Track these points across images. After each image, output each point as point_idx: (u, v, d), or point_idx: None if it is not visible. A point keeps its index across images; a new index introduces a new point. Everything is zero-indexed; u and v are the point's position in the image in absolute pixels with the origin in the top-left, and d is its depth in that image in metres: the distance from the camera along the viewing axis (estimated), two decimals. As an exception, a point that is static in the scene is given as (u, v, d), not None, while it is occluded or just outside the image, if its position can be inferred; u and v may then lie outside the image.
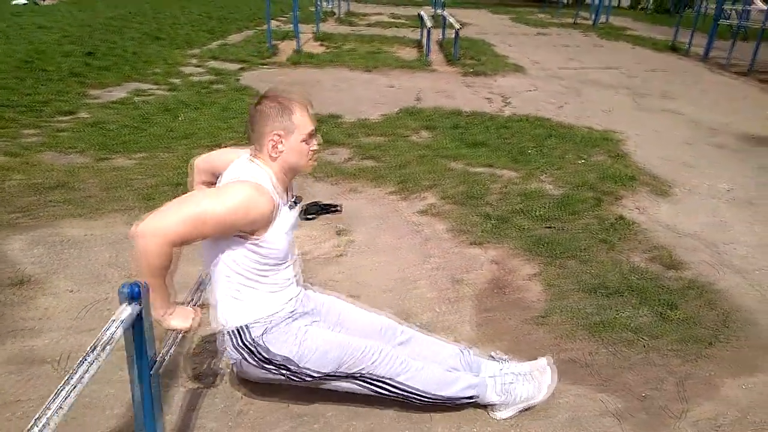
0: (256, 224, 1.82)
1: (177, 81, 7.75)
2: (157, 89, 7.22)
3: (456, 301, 3.01)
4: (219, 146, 5.07)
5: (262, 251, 1.88)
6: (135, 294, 1.44)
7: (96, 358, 1.26)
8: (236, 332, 1.97)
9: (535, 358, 2.37)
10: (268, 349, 1.97)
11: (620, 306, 3.00)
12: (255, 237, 1.85)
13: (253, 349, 1.97)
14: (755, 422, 2.30)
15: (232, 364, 2.09)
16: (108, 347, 1.33)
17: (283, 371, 2.01)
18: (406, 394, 2.10)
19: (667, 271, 3.39)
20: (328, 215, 3.87)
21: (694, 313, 2.96)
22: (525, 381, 2.23)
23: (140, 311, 1.47)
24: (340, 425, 2.16)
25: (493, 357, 2.39)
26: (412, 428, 2.16)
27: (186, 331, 1.86)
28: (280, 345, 1.98)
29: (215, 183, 2.06)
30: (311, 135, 1.93)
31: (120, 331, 1.37)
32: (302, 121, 1.89)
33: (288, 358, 1.99)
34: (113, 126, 5.49)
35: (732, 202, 4.55)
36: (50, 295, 2.85)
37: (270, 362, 1.99)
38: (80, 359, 1.25)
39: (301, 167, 1.97)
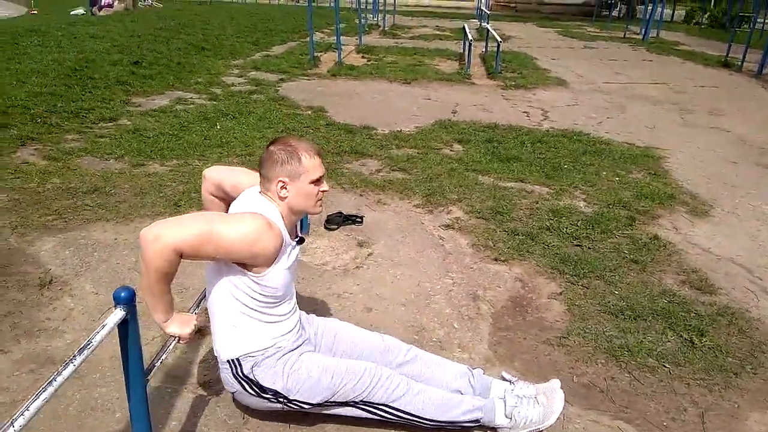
0: (257, 259, 1.83)
1: (218, 90, 7.92)
2: (198, 98, 7.39)
3: (473, 318, 2.94)
4: (251, 156, 5.17)
5: (261, 287, 1.89)
6: (129, 298, 1.45)
7: (82, 360, 1.27)
8: (233, 363, 1.99)
9: (547, 380, 2.29)
10: (258, 383, 1.99)
11: (645, 330, 2.88)
12: (255, 272, 1.86)
13: (248, 381, 2.00)
14: (784, 461, 2.16)
15: (232, 393, 2.11)
16: (86, 351, 1.33)
17: (280, 400, 2.02)
18: (406, 417, 2.07)
19: (699, 296, 3.24)
20: (350, 226, 3.86)
21: (723, 342, 2.81)
22: (534, 405, 2.16)
23: (130, 315, 1.47)
24: (342, 440, 2.13)
25: (504, 377, 2.32)
26: (414, 448, 2.12)
27: (185, 338, 1.87)
28: (270, 378, 1.99)
29: (219, 196, 2.12)
30: (319, 179, 1.94)
31: (104, 335, 1.37)
32: (309, 166, 1.90)
33: (277, 392, 2.00)
34: (151, 133, 5.63)
35: (776, 225, 4.34)
36: (74, 296, 2.93)
37: (265, 392, 2.00)
38: (66, 360, 1.26)
39: (309, 209, 1.98)
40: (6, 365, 2.42)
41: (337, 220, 3.84)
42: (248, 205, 1.92)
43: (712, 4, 28.99)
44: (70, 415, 2.19)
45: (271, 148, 1.92)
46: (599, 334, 2.84)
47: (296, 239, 2.03)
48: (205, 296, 2.07)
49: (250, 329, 1.96)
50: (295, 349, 2.09)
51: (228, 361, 1.99)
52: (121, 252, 3.39)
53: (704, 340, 2.80)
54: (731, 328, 2.93)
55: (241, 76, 9.08)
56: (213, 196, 2.15)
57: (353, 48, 13.01)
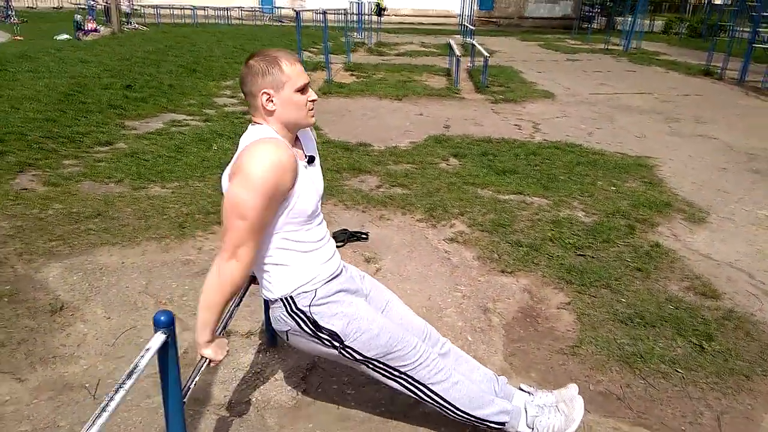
0: (292, 173, 1.78)
1: (211, 112, 7.95)
2: (192, 120, 7.41)
3: (486, 330, 2.97)
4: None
5: (291, 209, 1.85)
6: (169, 322, 1.47)
7: (131, 384, 1.28)
8: (287, 300, 1.95)
9: (564, 386, 2.32)
10: (315, 322, 1.94)
11: (655, 337, 2.93)
12: (287, 196, 1.82)
13: (304, 317, 1.95)
14: (800, 460, 2.21)
15: (286, 332, 2.02)
16: (136, 374, 1.35)
17: (336, 344, 1.97)
18: (440, 403, 2.07)
19: (704, 301, 3.30)
20: (356, 242, 3.89)
21: (732, 345, 2.86)
22: (554, 413, 2.18)
23: (170, 339, 1.49)
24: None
25: (522, 389, 2.35)
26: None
27: (216, 363, 1.87)
28: (328, 319, 1.95)
29: None
30: (305, 87, 1.87)
31: (148, 359, 1.39)
32: (292, 73, 1.82)
33: (335, 333, 1.95)
34: (149, 156, 5.64)
35: (771, 229, 4.43)
36: (86, 321, 2.92)
37: (321, 332, 1.96)
38: (116, 385, 1.28)
39: (301, 120, 1.90)
40: (24, 394, 2.40)
41: (343, 237, 3.86)
42: (245, 142, 1.86)
43: (689, 14, 29.58)
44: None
45: (250, 62, 1.84)
46: (611, 342, 2.88)
47: (306, 158, 1.97)
48: (231, 315, 2.09)
49: (293, 262, 1.93)
50: (355, 292, 2.07)
51: (282, 299, 1.95)
52: (130, 275, 3.38)
53: (713, 344, 2.86)
54: (738, 332, 2.99)
55: (233, 97, 9.12)
56: None
57: (341, 66, 13.11)
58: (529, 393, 2.28)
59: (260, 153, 1.75)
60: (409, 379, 2.05)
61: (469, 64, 13.40)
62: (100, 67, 9.39)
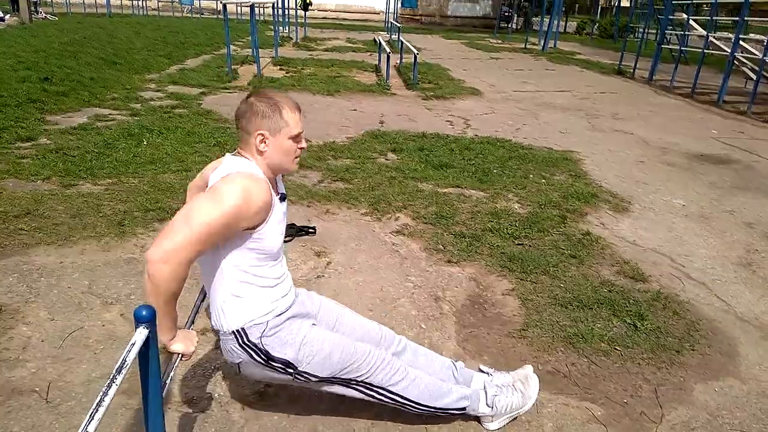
0: (260, 214, 1.82)
1: (137, 106, 7.67)
2: (118, 114, 7.13)
3: (438, 318, 3.08)
4: (188, 171, 5.09)
5: (259, 245, 1.87)
6: (150, 316, 1.46)
7: (121, 378, 1.28)
8: (239, 333, 1.95)
9: (521, 367, 2.46)
10: (268, 352, 1.97)
11: (593, 318, 3.14)
12: (253, 232, 1.84)
13: (255, 349, 1.97)
14: (724, 423, 2.44)
15: (238, 363, 2.03)
16: (124, 370, 1.34)
17: (289, 371, 2.00)
18: (400, 401, 2.15)
19: (634, 284, 3.56)
20: (304, 237, 3.91)
21: (662, 324, 3.11)
22: (512, 392, 2.32)
23: (151, 334, 1.49)
24: (335, 444, 2.20)
25: (481, 370, 2.47)
26: (407, 443, 2.21)
27: (188, 355, 1.86)
28: (280, 348, 1.98)
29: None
30: (299, 136, 1.93)
31: (135, 353, 1.38)
32: (291, 121, 1.88)
33: (287, 362, 1.99)
34: (76, 152, 5.39)
35: (686, 217, 4.81)
36: (29, 324, 2.79)
37: (274, 361, 1.98)
38: (107, 381, 1.27)
39: (286, 165, 1.95)
40: (-31, 401, 2.29)
41: (291, 232, 3.87)
42: (226, 170, 1.87)
43: (598, 15, 31.18)
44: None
45: (252, 100, 1.88)
46: (554, 324, 3.06)
47: (279, 195, 2.00)
48: (198, 310, 2.07)
49: (251, 296, 1.94)
50: (304, 317, 2.10)
51: (234, 331, 1.95)
52: (71, 276, 3.25)
53: (645, 323, 3.09)
54: (667, 311, 3.25)
55: (159, 90, 8.83)
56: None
57: (269, 60, 12.94)
58: (488, 374, 2.40)
59: (241, 182, 1.78)
60: (368, 386, 2.12)
61: (397, 62, 13.56)
62: (13, 58, 8.81)
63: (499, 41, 23.84)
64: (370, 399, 2.15)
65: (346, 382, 2.10)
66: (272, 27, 15.63)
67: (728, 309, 3.37)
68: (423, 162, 5.79)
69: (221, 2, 11.68)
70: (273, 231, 1.91)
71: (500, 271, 3.62)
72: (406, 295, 3.28)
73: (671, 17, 13.77)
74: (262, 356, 1.98)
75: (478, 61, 16.08)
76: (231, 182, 1.79)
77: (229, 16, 10.78)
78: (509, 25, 29.99)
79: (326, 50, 16.50)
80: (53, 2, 26.60)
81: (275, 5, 16.21)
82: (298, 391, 2.46)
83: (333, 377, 2.06)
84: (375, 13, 35.26)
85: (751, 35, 12.85)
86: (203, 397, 2.40)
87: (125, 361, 1.34)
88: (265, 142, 1.87)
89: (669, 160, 6.61)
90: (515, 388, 2.34)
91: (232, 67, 10.88)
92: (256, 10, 14.58)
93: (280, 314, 2.01)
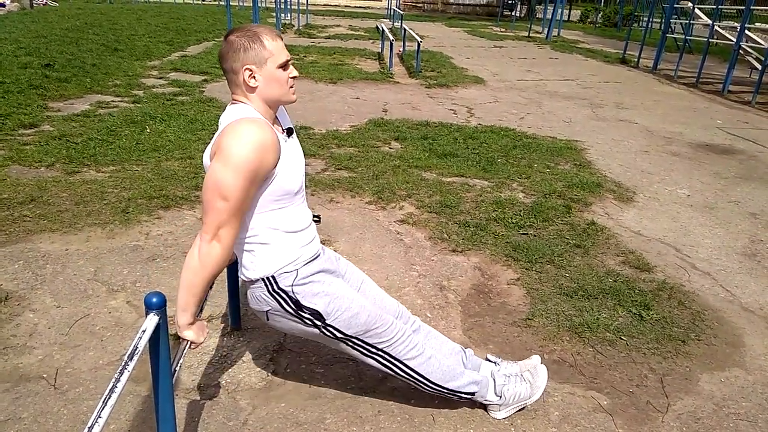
0: (271, 155, 1.77)
1: (140, 93, 7.64)
2: (121, 101, 7.11)
3: (444, 307, 3.08)
4: (191, 159, 5.07)
5: (277, 186, 1.85)
6: (161, 303, 1.46)
7: (133, 365, 1.28)
8: (268, 280, 1.95)
9: (528, 357, 2.46)
10: (298, 301, 1.96)
11: (598, 308, 3.14)
12: (271, 172, 1.81)
13: (286, 297, 1.96)
14: (730, 413, 2.45)
15: (266, 311, 2.02)
16: (137, 355, 1.34)
17: (317, 323, 1.99)
18: (414, 377, 2.15)
19: (639, 274, 3.56)
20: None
21: (668, 314, 3.11)
22: (520, 381, 2.32)
23: (162, 321, 1.49)
24: (340, 431, 2.20)
25: (488, 359, 2.47)
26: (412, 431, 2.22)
27: (197, 345, 1.86)
28: (310, 298, 1.97)
29: None
30: (286, 63, 1.86)
31: (146, 340, 1.38)
32: (274, 49, 1.81)
33: (317, 312, 1.98)
34: (79, 139, 5.38)
35: (691, 207, 4.80)
36: (35, 311, 2.79)
37: (303, 311, 1.97)
38: (119, 368, 1.27)
39: (283, 97, 1.88)
40: (-24, 387, 2.29)
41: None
42: (225, 121, 1.84)
43: (602, 4, 30.94)
44: (61, 431, 2.12)
45: (231, 37, 1.80)
46: (559, 313, 3.07)
47: (285, 131, 1.97)
48: (206, 299, 2.07)
49: (277, 242, 1.93)
50: (334, 272, 2.10)
51: (263, 278, 1.95)
52: (76, 263, 3.25)
53: (651, 313, 3.09)
54: (672, 302, 3.25)
55: (162, 78, 8.80)
56: None
57: (271, 48, 12.85)
58: (495, 363, 2.40)
59: (243, 133, 1.73)
60: (386, 356, 2.11)
61: (400, 49, 13.49)
62: (14, 44, 8.77)
63: (503, 29, 23.71)
64: (386, 370, 2.15)
65: (367, 348, 2.08)
66: (274, 14, 15.51)
67: (733, 299, 3.37)
68: (427, 151, 5.77)
69: (223, -12, 11.58)
70: (287, 167, 1.86)
71: (505, 261, 3.62)
72: (411, 284, 3.28)
73: (676, 5, 13.66)
74: (292, 305, 1.97)
75: (482, 50, 15.99)
76: (235, 137, 1.72)
77: (230, 3, 10.70)
78: (513, 13, 29.79)
79: (328, 37, 16.41)
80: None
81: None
82: (306, 377, 2.47)
83: (357, 337, 2.05)
84: (377, 0, 35.03)
85: (757, 24, 12.75)
86: (211, 385, 2.41)
87: (137, 347, 1.34)
88: (254, 77, 1.80)
89: (673, 150, 6.59)
90: (524, 378, 2.34)
91: (235, 54, 10.80)
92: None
93: (308, 262, 2.01)
